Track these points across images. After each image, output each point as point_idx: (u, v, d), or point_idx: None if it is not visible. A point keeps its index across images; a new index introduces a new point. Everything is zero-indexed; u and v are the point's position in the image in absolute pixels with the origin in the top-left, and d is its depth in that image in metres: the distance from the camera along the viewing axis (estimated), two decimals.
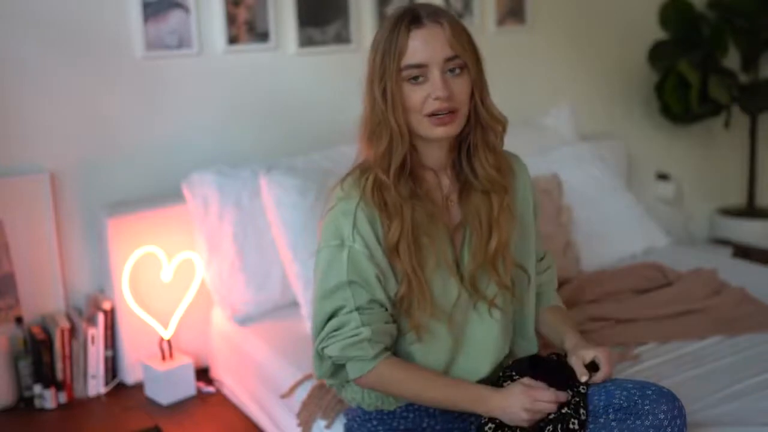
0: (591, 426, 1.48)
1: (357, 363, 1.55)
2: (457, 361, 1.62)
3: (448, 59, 1.48)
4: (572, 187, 2.80)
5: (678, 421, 1.44)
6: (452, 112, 1.49)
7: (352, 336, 1.51)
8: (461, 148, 1.59)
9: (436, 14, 1.50)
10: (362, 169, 1.56)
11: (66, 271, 2.58)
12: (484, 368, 1.64)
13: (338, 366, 1.60)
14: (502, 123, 1.57)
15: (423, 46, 1.47)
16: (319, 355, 1.59)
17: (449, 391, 1.55)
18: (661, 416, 1.43)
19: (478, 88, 1.53)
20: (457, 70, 1.49)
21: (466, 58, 1.49)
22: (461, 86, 1.50)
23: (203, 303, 2.59)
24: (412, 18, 1.49)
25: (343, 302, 1.52)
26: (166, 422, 2.35)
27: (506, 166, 1.61)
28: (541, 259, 1.78)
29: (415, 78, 1.48)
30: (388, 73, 1.48)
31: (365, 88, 1.54)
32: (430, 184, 1.59)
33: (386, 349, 1.56)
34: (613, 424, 1.46)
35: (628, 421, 1.44)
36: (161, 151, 2.68)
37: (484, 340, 1.63)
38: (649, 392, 1.46)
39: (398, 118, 1.49)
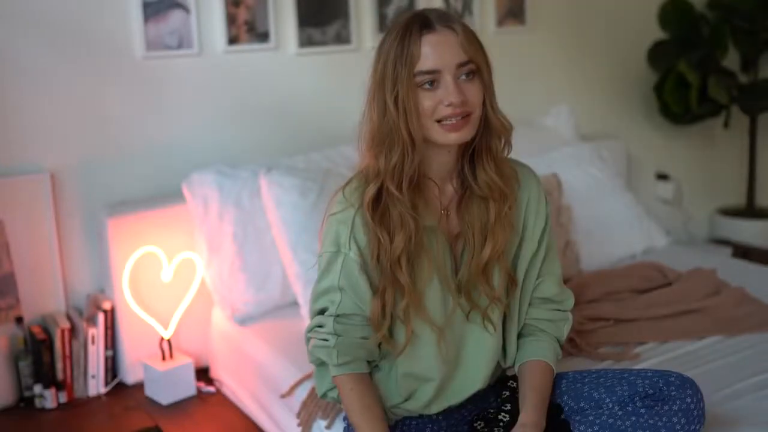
0: (619, 413, 1.51)
1: (326, 365, 1.60)
2: (455, 375, 1.62)
3: (461, 64, 1.46)
4: (572, 187, 2.80)
5: (701, 404, 1.51)
6: (466, 116, 1.47)
7: (323, 339, 1.56)
8: (465, 154, 1.57)
9: (448, 19, 1.49)
10: (366, 178, 1.54)
11: (66, 271, 2.59)
12: (479, 381, 1.64)
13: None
14: (507, 130, 1.56)
15: (435, 51, 1.46)
16: (307, 341, 1.63)
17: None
18: (688, 400, 1.49)
19: (489, 93, 1.51)
20: (471, 75, 1.48)
21: (478, 63, 1.48)
22: (474, 91, 1.48)
23: (203, 303, 2.59)
24: (422, 23, 1.47)
25: (329, 304, 1.56)
26: (166, 422, 2.35)
27: (511, 174, 1.59)
28: (559, 300, 1.70)
29: (430, 83, 1.47)
30: (400, 80, 1.46)
31: (372, 95, 1.51)
32: (428, 195, 1.57)
33: (356, 361, 1.57)
34: (642, 411, 1.49)
35: (656, 407, 1.49)
36: (161, 151, 2.69)
37: (479, 353, 1.63)
38: (672, 378, 1.52)
39: (412, 126, 1.47)
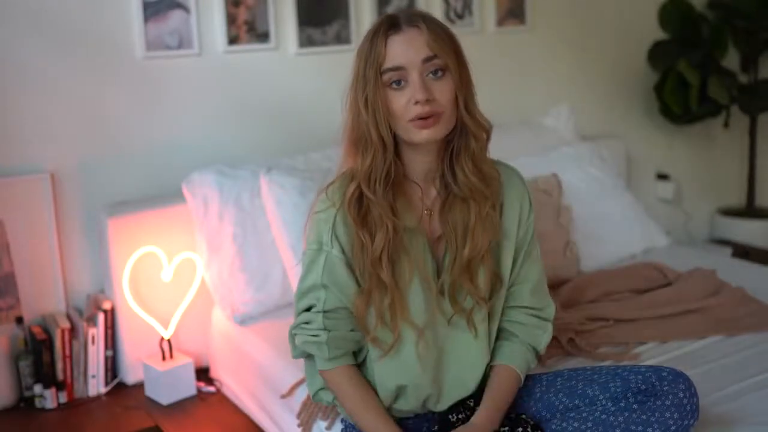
0: (612, 409, 1.51)
1: (317, 360, 1.62)
2: (442, 379, 1.62)
3: (427, 60, 1.46)
4: (572, 187, 2.80)
5: (694, 399, 1.51)
6: (435, 114, 1.47)
7: (313, 335, 1.58)
8: (446, 157, 1.57)
9: (414, 18, 1.49)
10: (348, 177, 1.55)
11: (66, 271, 2.59)
12: (468, 386, 1.64)
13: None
14: (485, 129, 1.55)
15: (401, 49, 1.47)
16: (292, 338, 1.66)
17: (368, 424, 1.58)
18: (681, 395, 1.49)
19: (462, 92, 1.50)
20: (439, 73, 1.48)
21: (446, 59, 1.47)
22: (443, 88, 1.48)
23: (203, 303, 2.59)
24: (390, 25, 1.49)
25: (315, 301, 1.58)
26: (166, 422, 2.35)
27: (492, 175, 1.58)
28: (537, 308, 1.69)
29: (397, 83, 1.47)
30: (369, 81, 1.48)
31: (348, 97, 1.53)
32: (411, 196, 1.58)
33: (346, 354, 1.61)
34: (634, 406, 1.50)
35: (649, 403, 1.49)
36: (161, 151, 2.69)
37: (465, 358, 1.62)
38: (665, 374, 1.52)
39: (381, 129, 1.48)
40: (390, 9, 2.97)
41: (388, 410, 1.63)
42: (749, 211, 3.85)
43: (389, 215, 1.52)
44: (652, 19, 3.65)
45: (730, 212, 3.89)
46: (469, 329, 1.60)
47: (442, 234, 1.59)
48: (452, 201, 1.58)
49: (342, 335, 1.58)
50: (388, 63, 1.47)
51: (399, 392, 1.61)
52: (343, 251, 1.54)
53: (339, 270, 1.54)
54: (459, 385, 1.63)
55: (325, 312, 1.56)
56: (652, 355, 2.05)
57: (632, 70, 3.70)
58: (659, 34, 3.66)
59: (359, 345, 1.62)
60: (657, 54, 3.64)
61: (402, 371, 1.59)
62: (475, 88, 1.55)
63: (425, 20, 1.49)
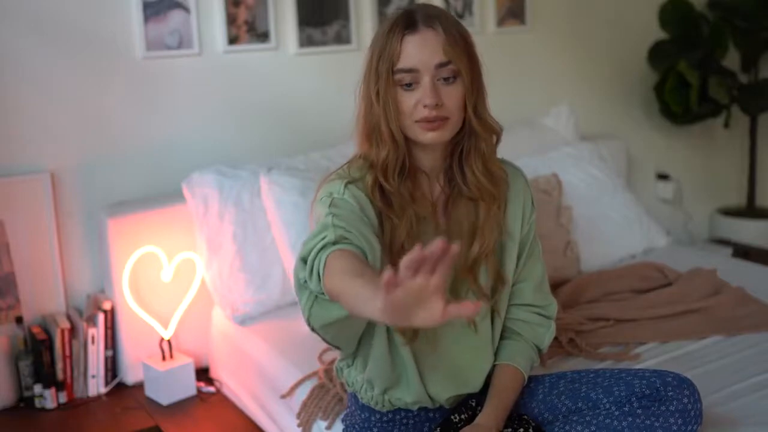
0: (616, 413, 1.51)
1: (315, 282, 1.32)
2: (441, 371, 1.61)
3: (440, 65, 1.46)
4: (572, 187, 2.80)
5: (698, 405, 1.51)
6: (443, 119, 1.47)
7: (321, 240, 1.34)
8: (454, 154, 1.57)
9: (433, 18, 1.48)
10: (359, 165, 1.54)
11: (66, 271, 2.59)
12: (471, 380, 1.64)
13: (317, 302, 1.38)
14: (496, 132, 1.55)
15: (415, 51, 1.46)
16: (300, 287, 1.39)
17: (347, 282, 1.21)
18: (685, 401, 1.49)
19: (472, 97, 1.50)
20: (451, 78, 1.47)
21: (459, 65, 1.46)
22: (453, 94, 1.47)
23: (203, 303, 2.59)
24: (407, 22, 1.48)
25: (322, 238, 1.35)
26: (166, 422, 2.35)
27: (500, 176, 1.59)
28: (540, 305, 1.69)
29: (408, 84, 1.47)
30: (381, 76, 1.47)
31: (361, 87, 1.53)
32: (424, 187, 1.58)
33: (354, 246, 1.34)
34: (638, 411, 1.49)
35: (653, 408, 1.48)
36: (161, 151, 2.69)
37: (466, 351, 1.62)
38: (669, 379, 1.51)
39: (391, 123, 1.48)
40: (390, 9, 2.97)
41: (391, 397, 1.62)
42: (749, 211, 3.84)
43: (410, 203, 1.51)
44: (652, 19, 3.65)
45: (730, 212, 3.89)
46: (469, 325, 1.60)
47: (446, 229, 1.59)
48: (456, 198, 1.58)
49: (349, 235, 1.35)
50: (402, 63, 1.46)
51: (395, 383, 1.61)
52: (356, 200, 1.45)
53: (345, 206, 1.42)
54: (458, 379, 1.63)
55: (334, 225, 1.36)
56: (652, 355, 2.05)
57: (632, 70, 3.70)
58: (659, 34, 3.66)
59: (374, 257, 1.38)
60: (657, 54, 3.64)
61: (397, 363, 1.58)
62: (486, 92, 1.54)
63: (442, 21, 1.48)
